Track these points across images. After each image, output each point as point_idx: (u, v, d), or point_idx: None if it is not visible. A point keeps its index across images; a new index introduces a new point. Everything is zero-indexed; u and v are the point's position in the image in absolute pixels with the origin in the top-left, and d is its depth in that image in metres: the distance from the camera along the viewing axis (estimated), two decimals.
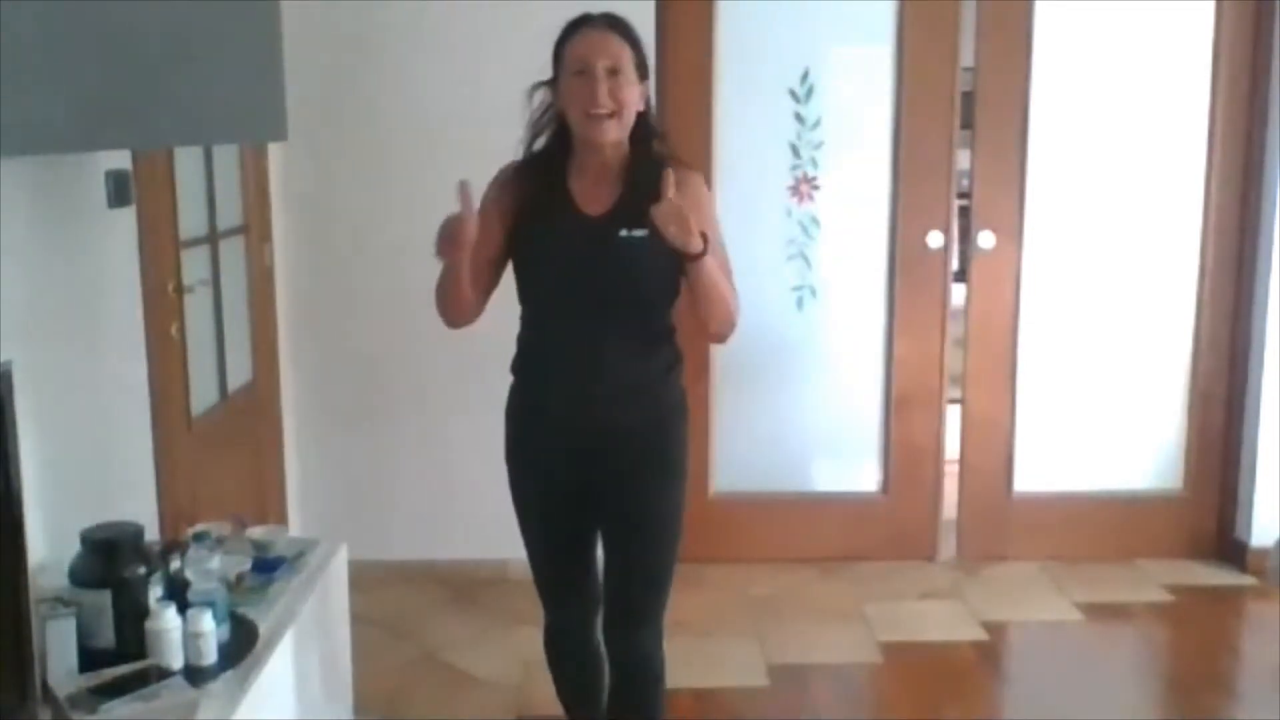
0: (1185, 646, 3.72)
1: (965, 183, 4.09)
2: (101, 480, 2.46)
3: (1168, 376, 4.19)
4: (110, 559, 2.01)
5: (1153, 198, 4.08)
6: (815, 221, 4.05)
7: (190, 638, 2.00)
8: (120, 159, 2.58)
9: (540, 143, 2.28)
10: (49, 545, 2.06)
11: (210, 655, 2.02)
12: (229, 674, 2.02)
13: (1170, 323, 4.15)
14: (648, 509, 2.31)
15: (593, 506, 2.33)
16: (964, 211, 4.11)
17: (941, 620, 3.73)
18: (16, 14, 1.54)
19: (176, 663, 1.98)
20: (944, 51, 3.95)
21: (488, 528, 3.93)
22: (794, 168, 4.02)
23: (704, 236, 2.10)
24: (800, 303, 4.09)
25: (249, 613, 2.23)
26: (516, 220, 2.23)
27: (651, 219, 2.07)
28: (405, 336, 3.91)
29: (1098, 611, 3.80)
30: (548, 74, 2.25)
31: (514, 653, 3.36)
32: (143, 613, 2.00)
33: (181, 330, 2.94)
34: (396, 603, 3.74)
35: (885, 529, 4.19)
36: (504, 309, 2.32)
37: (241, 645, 2.11)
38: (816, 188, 4.03)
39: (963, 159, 4.06)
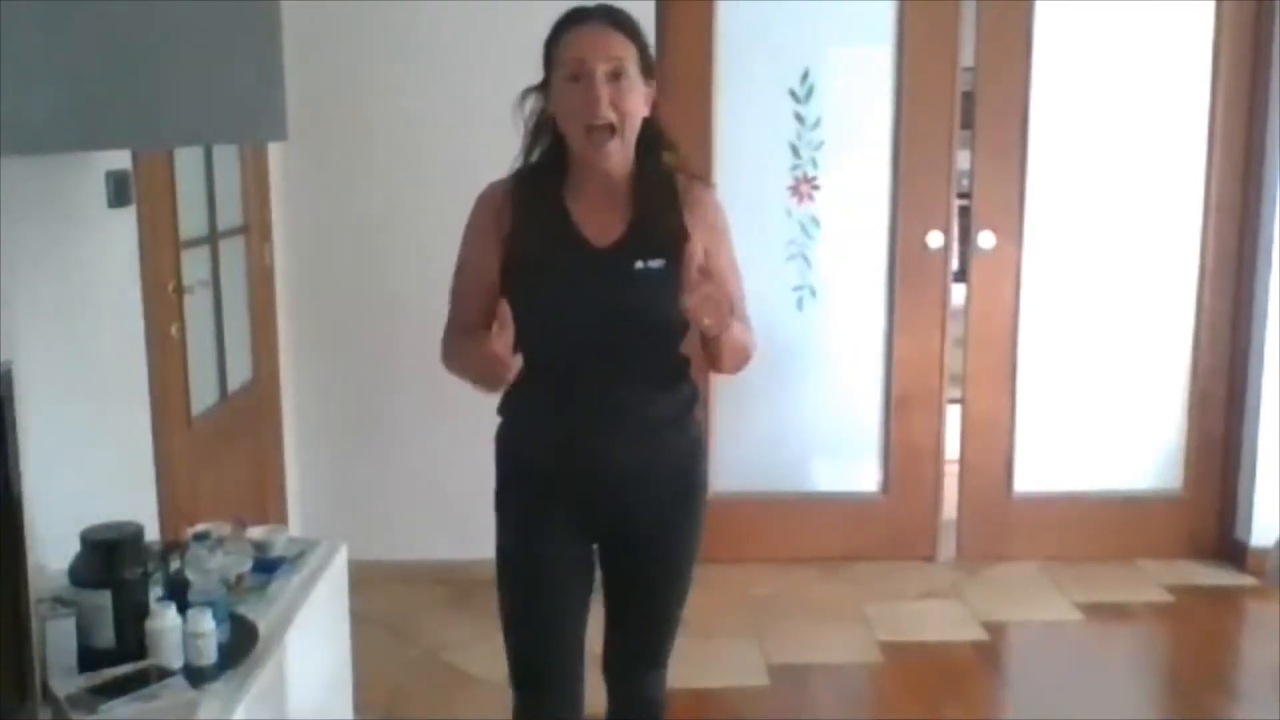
0: (1185, 646, 3.72)
1: (965, 183, 4.10)
2: (101, 480, 2.46)
3: (1168, 376, 4.19)
4: (110, 559, 2.01)
5: (1153, 198, 4.09)
6: (815, 221, 4.05)
7: (190, 638, 2.00)
8: (120, 159, 2.57)
9: (534, 156, 2.02)
10: (49, 545, 2.06)
11: (210, 655, 2.01)
12: (229, 674, 2.02)
13: (1170, 323, 4.15)
14: (673, 559, 2.12)
15: (606, 564, 2.12)
16: (964, 211, 4.11)
17: (941, 620, 3.74)
18: (16, 14, 1.54)
19: (176, 663, 1.98)
20: (944, 51, 3.95)
21: (488, 528, 3.94)
22: (794, 168, 4.02)
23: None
24: (800, 303, 4.09)
25: (249, 613, 2.22)
26: (511, 251, 1.96)
27: (686, 312, 1.84)
28: (405, 336, 3.90)
29: (1098, 611, 3.80)
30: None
31: None
32: (143, 613, 2.00)
33: (181, 330, 2.94)
34: (396, 603, 3.74)
35: (885, 529, 4.19)
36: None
37: (241, 645, 2.10)
38: (816, 188, 4.03)
39: (963, 159, 4.06)
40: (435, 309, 4.10)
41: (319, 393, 3.94)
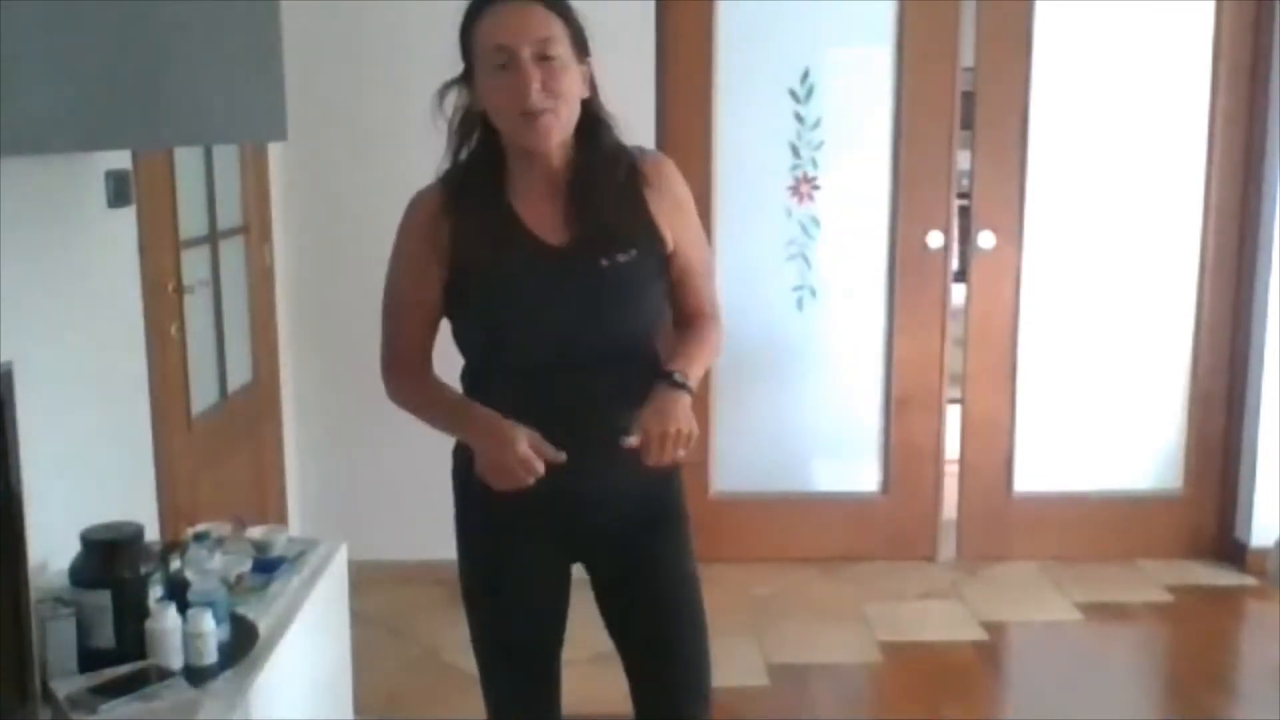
0: (1185, 646, 3.71)
1: (965, 183, 4.10)
2: (101, 480, 2.46)
3: (1168, 376, 4.19)
4: (110, 559, 2.01)
5: (1153, 198, 4.08)
6: (815, 222, 4.05)
7: (190, 638, 2.00)
8: (120, 159, 2.57)
9: (461, 154, 1.83)
10: (49, 545, 2.06)
11: (210, 655, 2.02)
12: (229, 674, 2.02)
13: (1170, 322, 4.15)
14: (671, 585, 1.91)
15: (602, 593, 1.94)
16: (964, 211, 4.11)
17: (941, 620, 3.73)
18: (16, 13, 1.54)
19: (176, 663, 1.98)
20: (944, 51, 3.95)
21: None
22: (794, 168, 4.02)
23: (675, 373, 1.74)
24: (800, 303, 4.09)
25: (249, 613, 2.23)
26: (455, 264, 1.76)
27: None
28: None
29: (1098, 611, 3.80)
30: None
31: None
32: (143, 613, 2.00)
33: (181, 330, 2.94)
34: (396, 603, 3.74)
35: (885, 529, 4.19)
36: None
37: (241, 645, 2.10)
38: (816, 188, 4.03)
39: (963, 159, 4.06)
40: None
41: (319, 393, 3.94)
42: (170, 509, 2.80)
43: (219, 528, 2.46)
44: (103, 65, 1.81)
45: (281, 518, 3.72)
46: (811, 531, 4.19)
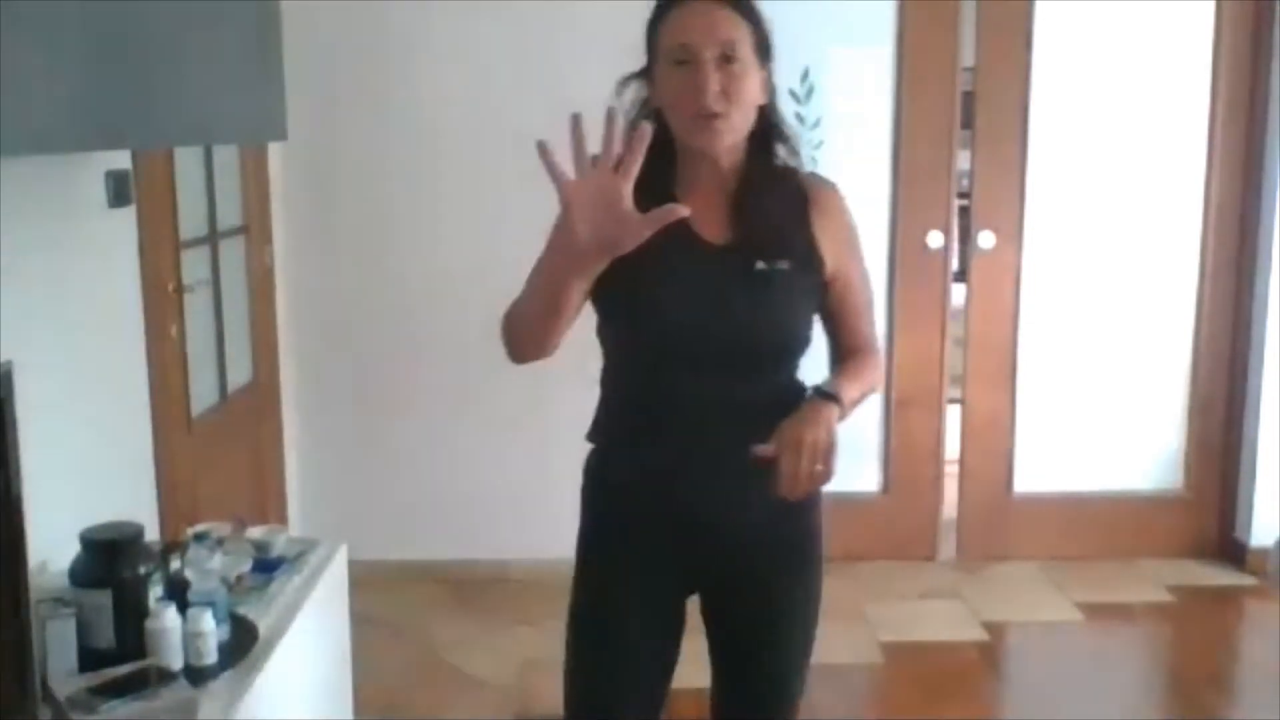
0: (1185, 646, 3.72)
1: (965, 183, 4.10)
2: (101, 480, 2.46)
3: (1168, 376, 4.19)
4: (110, 559, 2.01)
5: (1153, 197, 4.09)
6: None
7: (190, 638, 2.00)
8: (120, 159, 2.57)
9: None
10: (49, 545, 2.06)
11: (210, 655, 2.02)
12: (229, 674, 2.02)
13: (1170, 323, 4.15)
14: (784, 609, 1.84)
15: (708, 615, 1.88)
16: (964, 211, 4.11)
17: (941, 620, 3.73)
18: (16, 14, 1.54)
19: (176, 663, 1.98)
20: (944, 51, 3.95)
21: (488, 528, 3.95)
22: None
23: (834, 396, 1.68)
24: None
25: (249, 613, 2.23)
26: None
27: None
28: (405, 336, 3.91)
29: (1098, 611, 3.80)
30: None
31: (514, 653, 3.36)
32: (143, 613, 2.00)
33: (181, 330, 2.94)
34: (396, 603, 3.74)
35: (885, 529, 4.19)
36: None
37: (241, 645, 2.10)
38: None
39: (963, 159, 4.06)
40: (435, 308, 4.11)
41: (319, 393, 3.94)
42: (170, 509, 2.80)
43: (219, 528, 2.46)
44: (103, 65, 1.81)
45: (281, 518, 3.72)
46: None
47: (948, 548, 4.23)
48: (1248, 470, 4.10)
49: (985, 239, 4.06)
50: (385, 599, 3.69)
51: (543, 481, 3.62)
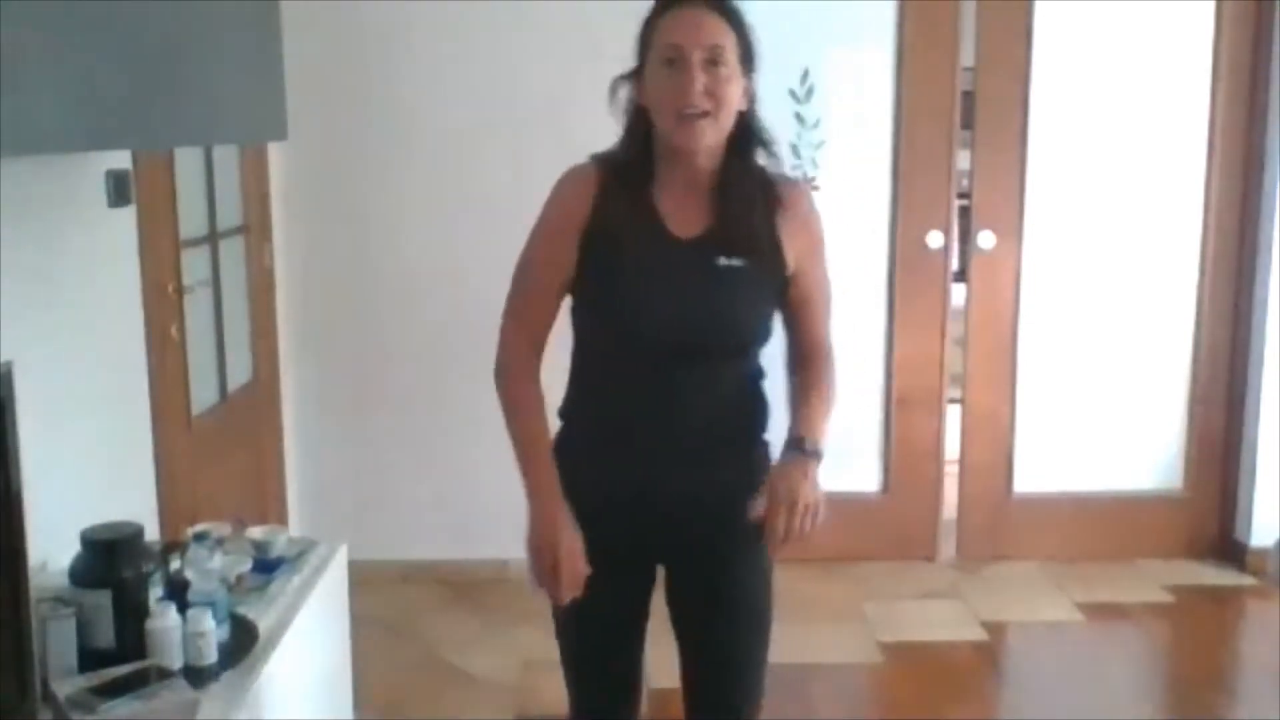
0: (1185, 646, 3.72)
1: (965, 183, 4.10)
2: (101, 480, 2.46)
3: (1168, 376, 4.19)
4: (110, 559, 2.01)
5: (1153, 197, 4.09)
6: None
7: (190, 638, 2.00)
8: (120, 159, 2.58)
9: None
10: (49, 545, 2.06)
11: (210, 655, 2.02)
12: (229, 674, 2.02)
13: (1170, 322, 4.15)
14: (735, 584, 1.96)
15: (669, 587, 2.00)
16: (964, 211, 4.11)
17: (941, 620, 3.73)
18: (16, 14, 1.54)
19: (176, 663, 1.98)
20: (944, 51, 3.95)
21: (488, 528, 3.94)
22: (794, 168, 4.01)
23: (805, 439, 1.80)
24: None
25: (249, 613, 2.23)
26: (590, 238, 1.83)
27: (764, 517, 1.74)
28: (405, 336, 3.91)
29: (1098, 611, 3.80)
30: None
31: (514, 653, 3.36)
32: (143, 613, 2.00)
33: (181, 330, 2.94)
34: (396, 603, 3.74)
35: (885, 529, 4.19)
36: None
37: (241, 645, 2.10)
38: (816, 188, 4.02)
39: (963, 159, 4.06)
40: (435, 308, 4.11)
41: (319, 393, 3.94)
42: (170, 509, 2.80)
43: (219, 528, 2.46)
44: (103, 65, 1.81)
45: (281, 518, 3.72)
46: (811, 531, 4.18)
47: (948, 548, 4.23)
48: (1247, 470, 4.10)
49: (985, 239, 4.07)
50: (385, 599, 3.70)
51: None
